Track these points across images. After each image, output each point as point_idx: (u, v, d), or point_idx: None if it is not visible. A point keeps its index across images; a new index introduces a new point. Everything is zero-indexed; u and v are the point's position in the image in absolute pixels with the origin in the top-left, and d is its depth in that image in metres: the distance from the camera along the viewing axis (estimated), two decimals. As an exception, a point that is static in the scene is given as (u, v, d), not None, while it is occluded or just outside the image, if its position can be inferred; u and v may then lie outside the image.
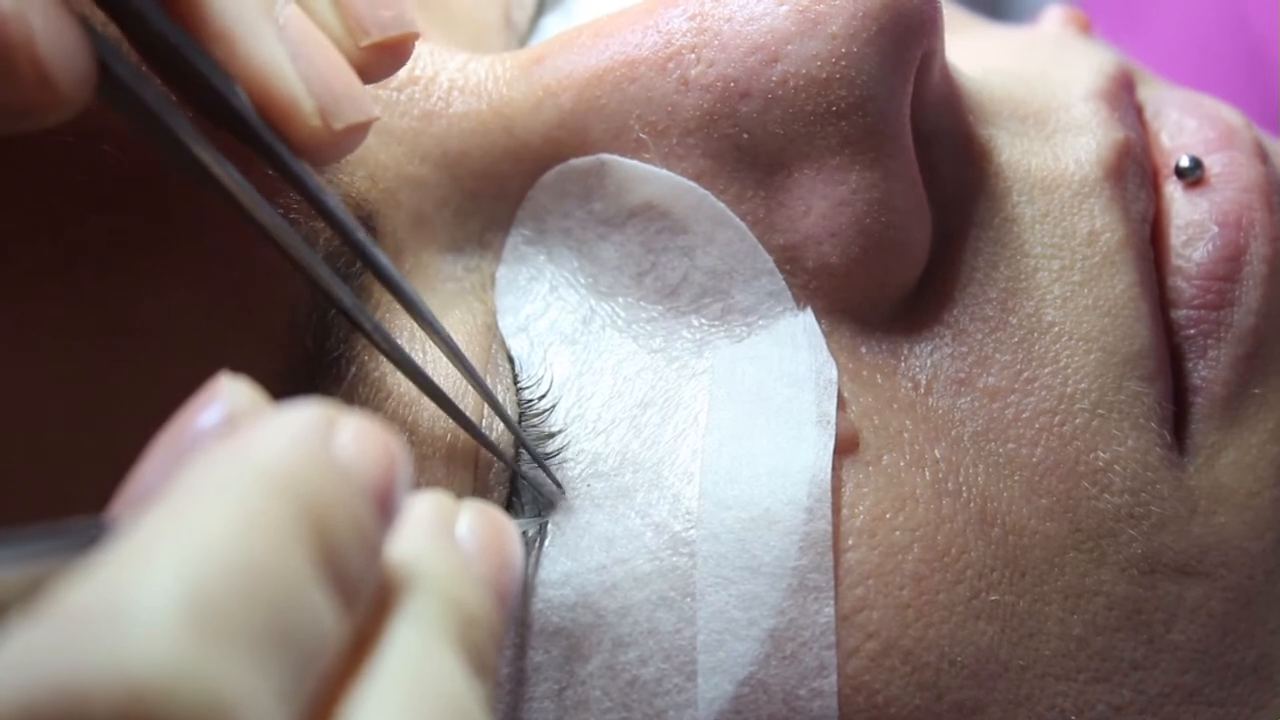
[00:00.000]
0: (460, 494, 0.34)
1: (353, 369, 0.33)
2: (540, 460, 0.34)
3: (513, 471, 0.35)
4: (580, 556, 0.34)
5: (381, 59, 0.32)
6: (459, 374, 0.34)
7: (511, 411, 0.35)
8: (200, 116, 0.30)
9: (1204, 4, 0.72)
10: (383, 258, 0.32)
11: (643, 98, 0.35)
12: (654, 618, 0.33)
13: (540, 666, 0.33)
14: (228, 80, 0.30)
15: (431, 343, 0.34)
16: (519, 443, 0.34)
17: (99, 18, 0.29)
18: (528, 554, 0.34)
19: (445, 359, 0.34)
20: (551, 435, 0.35)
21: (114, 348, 0.31)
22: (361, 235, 0.32)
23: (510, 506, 0.34)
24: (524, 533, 0.34)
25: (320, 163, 0.31)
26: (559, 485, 0.34)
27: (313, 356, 0.32)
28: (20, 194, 0.31)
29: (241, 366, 0.31)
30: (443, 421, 0.34)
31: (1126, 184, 0.37)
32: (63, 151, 0.31)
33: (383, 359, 0.33)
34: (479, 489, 0.34)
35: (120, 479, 0.26)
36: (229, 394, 0.25)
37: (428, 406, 0.34)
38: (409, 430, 0.33)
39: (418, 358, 0.34)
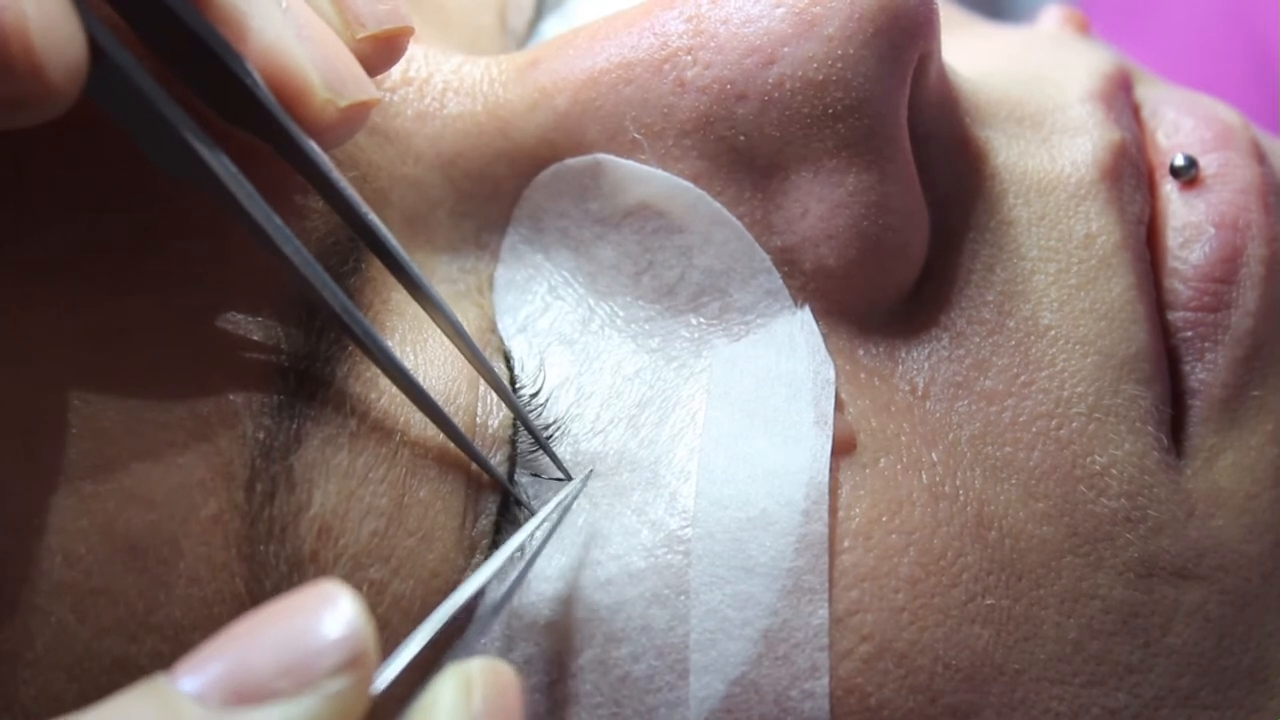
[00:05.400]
0: (455, 491, 0.34)
1: (345, 368, 0.33)
2: (542, 440, 0.34)
3: (511, 465, 0.35)
4: (574, 552, 0.34)
5: (377, 51, 0.33)
6: (451, 377, 0.34)
7: (507, 415, 0.35)
8: (199, 106, 0.30)
9: (1204, 3, 0.71)
10: (393, 239, 0.32)
11: (639, 99, 0.35)
12: (647, 614, 0.33)
13: (531, 659, 0.33)
14: (240, 58, 0.30)
15: (423, 343, 0.34)
16: (519, 420, 0.34)
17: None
18: (540, 545, 0.34)
19: (439, 361, 0.34)
20: (546, 428, 0.35)
21: (103, 350, 0.31)
22: (372, 217, 0.32)
23: (506, 506, 0.34)
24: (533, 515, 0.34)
25: (327, 144, 0.32)
26: (562, 467, 0.34)
27: (305, 356, 0.32)
28: (5, 196, 0.31)
29: (232, 367, 0.32)
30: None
31: (1123, 186, 0.37)
32: (47, 152, 0.31)
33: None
34: (472, 488, 0.34)
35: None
36: (351, 612, 0.27)
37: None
38: (401, 431, 0.33)
39: (408, 361, 0.34)
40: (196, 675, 0.26)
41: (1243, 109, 0.41)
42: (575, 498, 0.34)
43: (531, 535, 0.34)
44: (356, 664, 0.26)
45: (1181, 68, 0.67)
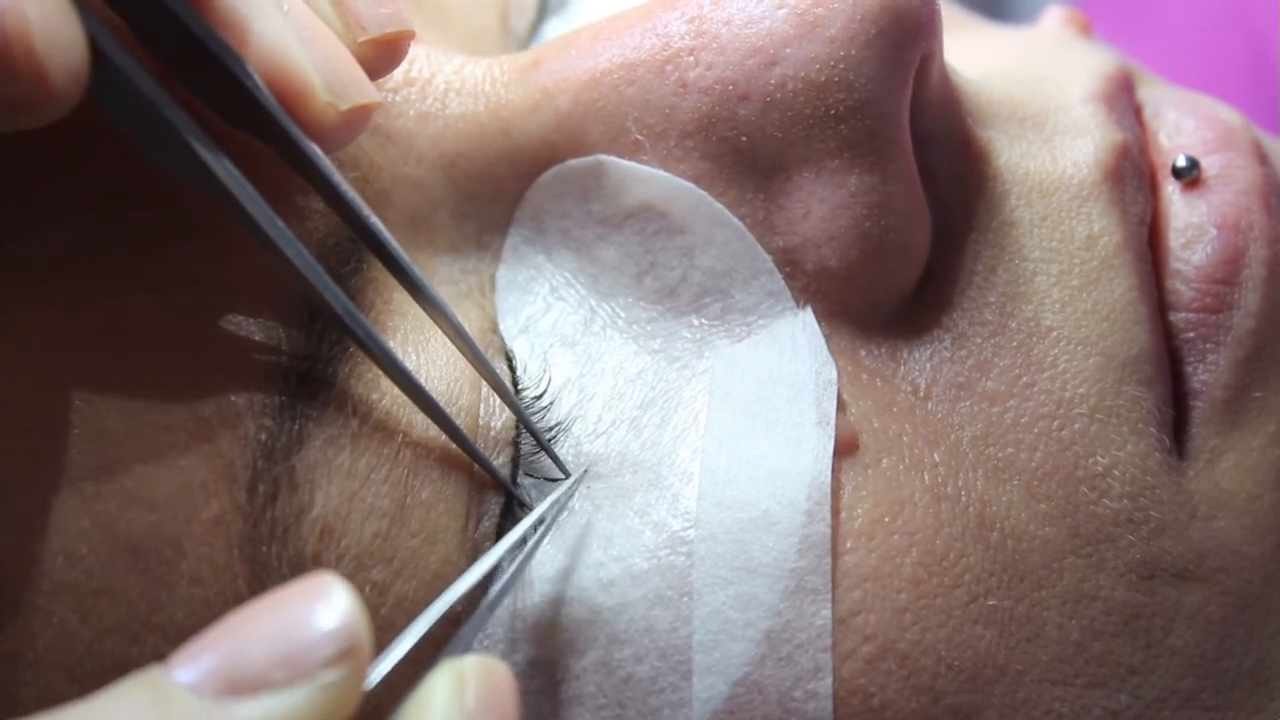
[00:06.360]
0: (457, 493, 0.34)
1: (346, 369, 0.33)
2: (544, 442, 0.34)
3: (514, 466, 0.35)
4: (577, 554, 0.34)
5: (379, 54, 0.33)
6: (453, 378, 0.34)
7: (510, 417, 0.35)
8: (200, 108, 0.30)
9: (1205, 4, 0.71)
10: (394, 242, 0.32)
11: (640, 100, 0.35)
12: (650, 616, 0.33)
13: (534, 660, 0.33)
14: (241, 61, 0.30)
15: (425, 344, 0.34)
16: (521, 422, 0.34)
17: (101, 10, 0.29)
18: (538, 540, 0.34)
19: (441, 362, 0.34)
20: (549, 429, 0.35)
21: (104, 350, 0.31)
22: (374, 219, 0.32)
23: (508, 507, 0.34)
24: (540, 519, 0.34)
25: (328, 146, 0.32)
26: (564, 469, 0.34)
27: (306, 357, 0.32)
28: (5, 195, 0.31)
29: (233, 368, 0.32)
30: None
31: (1125, 186, 0.37)
32: (48, 153, 0.31)
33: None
34: (475, 489, 0.34)
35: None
36: (345, 605, 0.27)
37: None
38: (404, 431, 0.33)
39: (410, 362, 0.34)
40: (191, 667, 0.26)
41: (1243, 109, 0.41)
42: (571, 495, 0.34)
43: (529, 533, 0.34)
44: (350, 656, 0.26)
45: (1181, 68, 0.67)
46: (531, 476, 0.35)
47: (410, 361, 0.34)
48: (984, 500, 0.34)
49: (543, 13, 0.41)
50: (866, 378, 0.35)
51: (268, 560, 0.31)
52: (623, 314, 0.36)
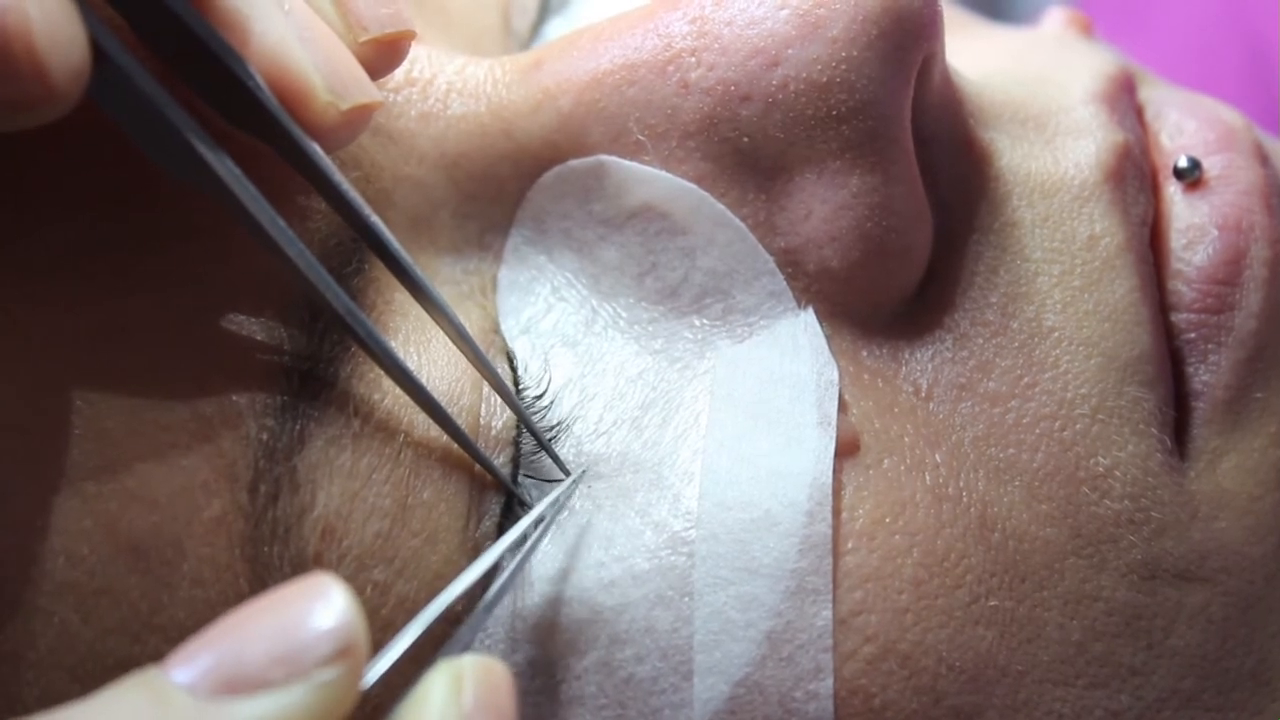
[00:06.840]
0: (458, 493, 0.34)
1: (348, 369, 0.33)
2: (544, 442, 0.34)
3: (515, 466, 0.35)
4: (578, 554, 0.34)
5: (380, 54, 0.33)
6: (454, 378, 0.34)
7: (511, 417, 0.35)
8: (201, 108, 0.30)
9: (1205, 5, 0.71)
10: (396, 242, 0.32)
11: (642, 100, 0.35)
12: (651, 616, 0.33)
13: (534, 661, 0.34)
14: (242, 61, 0.30)
15: (426, 344, 0.34)
16: (522, 422, 0.34)
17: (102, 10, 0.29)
18: (537, 539, 0.34)
19: (442, 362, 0.34)
20: (549, 429, 0.35)
21: (104, 349, 0.31)
22: (375, 219, 0.32)
23: (509, 507, 0.34)
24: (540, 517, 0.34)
25: (329, 146, 0.32)
26: (565, 469, 0.34)
27: (308, 357, 0.32)
28: (5, 195, 0.31)
29: (234, 368, 0.32)
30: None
31: (1126, 187, 0.37)
32: (48, 153, 0.31)
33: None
34: (476, 489, 0.34)
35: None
36: (342, 604, 0.27)
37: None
38: (405, 432, 0.33)
39: (412, 362, 0.34)
40: (188, 667, 0.26)
41: (1242, 110, 0.41)
42: (570, 494, 0.34)
43: (528, 532, 0.34)
44: (346, 654, 0.26)
45: (1181, 69, 0.67)
46: (532, 477, 0.35)
47: (412, 361, 0.34)
48: (985, 501, 0.34)
49: (544, 13, 0.41)
50: (868, 378, 0.35)
51: (269, 560, 0.31)
52: (624, 314, 0.36)
